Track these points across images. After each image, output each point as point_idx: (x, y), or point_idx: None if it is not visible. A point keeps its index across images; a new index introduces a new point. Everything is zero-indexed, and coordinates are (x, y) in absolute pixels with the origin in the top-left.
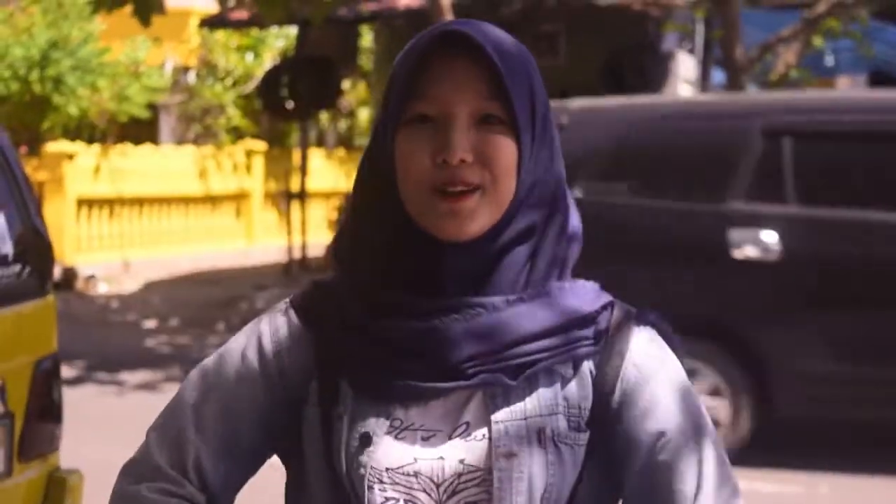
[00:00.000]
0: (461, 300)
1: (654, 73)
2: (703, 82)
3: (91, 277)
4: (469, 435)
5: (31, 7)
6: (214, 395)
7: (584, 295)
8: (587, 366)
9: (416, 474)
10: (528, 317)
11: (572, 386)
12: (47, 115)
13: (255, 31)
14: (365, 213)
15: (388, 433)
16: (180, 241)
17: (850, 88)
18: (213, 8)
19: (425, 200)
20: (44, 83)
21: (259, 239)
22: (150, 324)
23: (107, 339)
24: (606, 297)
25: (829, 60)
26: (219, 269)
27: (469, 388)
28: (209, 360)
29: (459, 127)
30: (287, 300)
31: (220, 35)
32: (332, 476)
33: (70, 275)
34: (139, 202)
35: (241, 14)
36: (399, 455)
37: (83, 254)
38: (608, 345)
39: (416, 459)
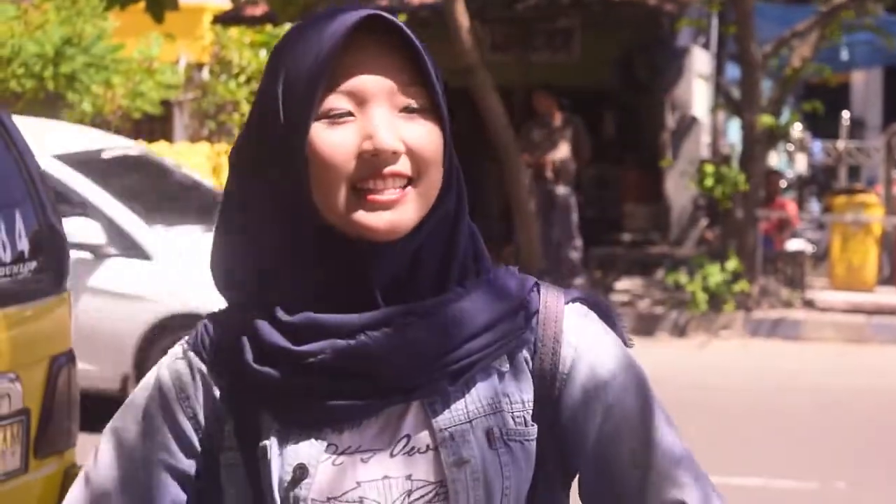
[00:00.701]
0: (388, 311)
1: (668, 69)
2: (718, 77)
3: None
4: (412, 448)
5: (45, 4)
6: (127, 478)
7: (508, 282)
8: (521, 356)
9: (360, 500)
10: (460, 318)
11: (510, 380)
12: (61, 112)
13: (268, 28)
14: (259, 223)
15: (324, 461)
16: None
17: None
18: (226, 4)
19: (347, 200)
20: (57, 80)
21: None
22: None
23: None
24: (531, 280)
25: (844, 54)
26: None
27: (405, 401)
28: (116, 428)
29: (385, 116)
30: (182, 343)
31: (234, 31)
32: None
33: None
34: None
35: (255, 10)
36: (340, 482)
37: None
38: (540, 329)
39: (359, 484)
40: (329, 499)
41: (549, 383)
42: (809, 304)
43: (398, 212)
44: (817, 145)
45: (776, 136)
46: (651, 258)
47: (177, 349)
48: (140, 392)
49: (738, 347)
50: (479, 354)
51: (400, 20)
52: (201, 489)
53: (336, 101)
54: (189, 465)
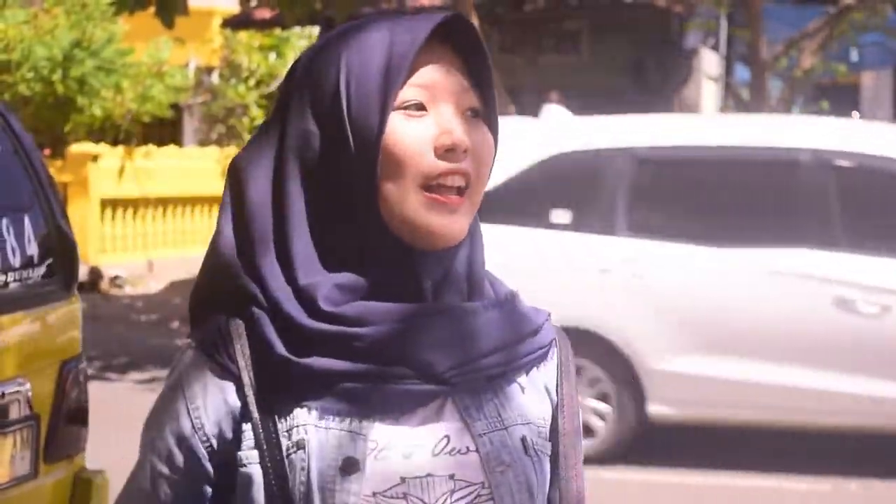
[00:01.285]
0: (439, 304)
1: (677, 71)
2: (727, 78)
3: (116, 278)
4: (453, 448)
5: (55, 8)
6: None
7: (527, 305)
8: (537, 375)
9: (405, 496)
10: (498, 324)
11: (531, 395)
12: (71, 116)
13: (277, 31)
14: (317, 217)
15: (370, 454)
16: (204, 241)
17: None
18: (235, 8)
19: (416, 198)
20: (67, 84)
21: None
22: (175, 324)
23: (133, 339)
24: (541, 310)
25: (854, 55)
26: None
27: (447, 395)
28: (143, 444)
29: (455, 112)
30: (190, 343)
31: (243, 35)
32: None
33: (95, 275)
34: (163, 203)
35: (264, 14)
36: (384, 477)
37: (107, 254)
38: (550, 356)
39: (403, 480)
40: (374, 493)
41: (555, 407)
42: None
43: (457, 219)
44: None
45: None
46: None
47: (183, 353)
48: (155, 403)
49: None
50: (509, 365)
51: None
52: (221, 494)
53: (410, 94)
54: (201, 474)
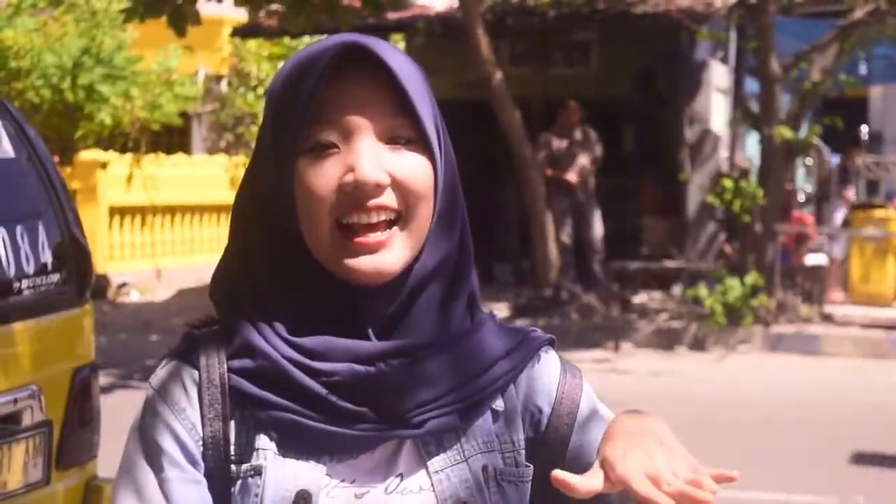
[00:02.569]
0: (403, 344)
1: (686, 83)
2: (736, 91)
3: (123, 285)
4: (405, 488)
5: (64, 16)
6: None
7: (498, 328)
8: (514, 396)
9: None
10: (467, 357)
11: (501, 420)
12: (80, 123)
13: (286, 40)
14: (261, 253)
15: (323, 489)
16: (212, 249)
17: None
18: (244, 17)
19: (331, 239)
20: (76, 91)
21: None
22: (183, 331)
23: (140, 347)
24: (518, 328)
25: (863, 69)
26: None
27: (413, 436)
28: (126, 454)
29: (369, 148)
30: (168, 356)
31: (252, 44)
32: None
33: (102, 283)
34: (171, 211)
35: (273, 22)
36: None
37: (115, 262)
38: (528, 375)
39: None
40: None
41: (534, 428)
42: (828, 319)
43: (384, 254)
44: (836, 160)
45: (795, 150)
46: (669, 272)
47: (163, 364)
48: (137, 418)
49: (757, 362)
50: (480, 395)
51: (392, 41)
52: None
53: (321, 134)
54: (198, 475)
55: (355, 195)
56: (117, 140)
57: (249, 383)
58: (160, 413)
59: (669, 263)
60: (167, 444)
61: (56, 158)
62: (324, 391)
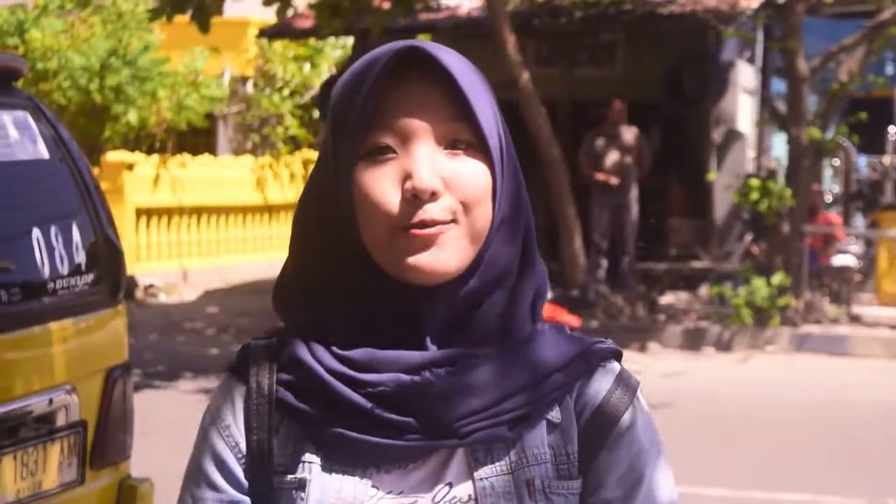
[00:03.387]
0: (452, 352)
1: (713, 83)
2: (763, 91)
3: (150, 287)
4: (453, 497)
5: (92, 18)
6: None
7: (561, 338)
8: (570, 408)
9: None
10: (519, 367)
11: (557, 432)
12: (106, 125)
13: (312, 41)
14: (319, 259)
15: (368, 501)
16: (238, 250)
17: None
18: (270, 18)
19: (393, 241)
20: (103, 93)
21: None
22: (211, 332)
23: (168, 347)
24: (582, 338)
25: (890, 69)
26: (276, 278)
27: (462, 446)
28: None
29: (426, 153)
30: (225, 371)
31: (278, 45)
32: None
33: (129, 284)
34: (197, 212)
35: (301, 23)
36: None
37: (142, 263)
38: (585, 386)
39: None
40: None
41: (586, 442)
42: (856, 320)
43: (439, 251)
44: (862, 160)
45: (822, 150)
46: (696, 273)
47: (220, 382)
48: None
49: (784, 362)
50: (531, 407)
51: (426, 39)
52: None
53: (379, 139)
54: (235, 496)
55: (413, 202)
56: (144, 141)
57: (294, 397)
58: (206, 432)
59: (696, 264)
60: (207, 465)
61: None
62: (368, 404)
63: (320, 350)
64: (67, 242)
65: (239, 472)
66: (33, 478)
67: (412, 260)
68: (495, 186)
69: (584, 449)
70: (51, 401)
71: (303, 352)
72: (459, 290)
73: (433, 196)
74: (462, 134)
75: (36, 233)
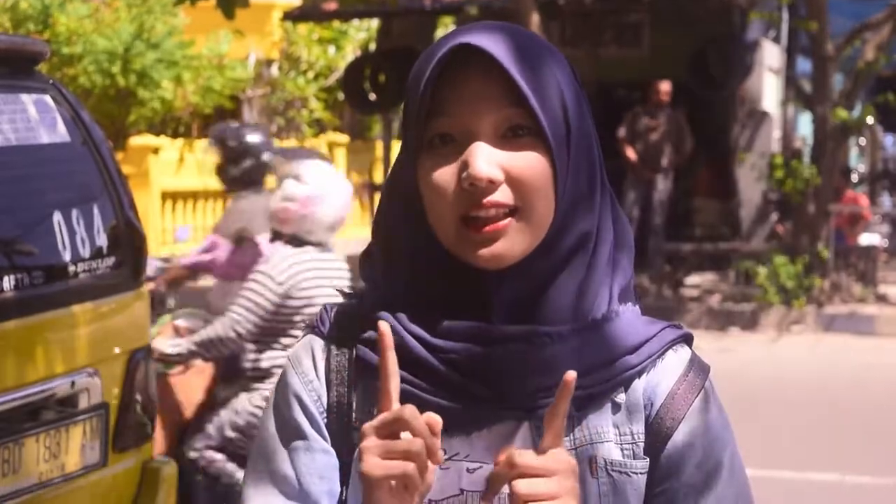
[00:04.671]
0: (527, 329)
1: (739, 63)
2: (788, 71)
3: None
4: None
5: (116, 2)
6: (275, 474)
7: (635, 321)
8: (639, 389)
9: None
10: (589, 348)
11: (622, 412)
12: (132, 108)
13: (336, 24)
14: (394, 240)
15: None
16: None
17: None
18: (295, 1)
19: (455, 230)
20: (127, 76)
21: (341, 231)
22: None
23: None
24: (656, 323)
25: None
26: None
27: (527, 418)
28: (260, 427)
29: (483, 143)
30: (303, 330)
31: (303, 28)
32: None
33: None
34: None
35: (327, 5)
36: (443, 485)
37: (168, 246)
38: (653, 370)
39: (462, 491)
40: (431, 501)
41: (653, 426)
42: (882, 299)
43: (501, 243)
44: (889, 139)
45: (849, 129)
46: (722, 253)
47: (300, 337)
48: (270, 395)
49: (811, 342)
50: (599, 387)
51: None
52: (343, 469)
53: (438, 129)
54: (325, 445)
55: (472, 191)
56: (169, 125)
57: (375, 354)
58: (290, 384)
59: (722, 245)
60: (294, 414)
61: (109, 144)
62: (442, 367)
63: (400, 315)
64: (89, 225)
65: (323, 424)
66: (56, 460)
67: (473, 249)
68: (555, 171)
69: (654, 432)
70: (73, 383)
71: (382, 312)
72: (528, 269)
73: (491, 185)
74: (521, 119)
75: (57, 216)
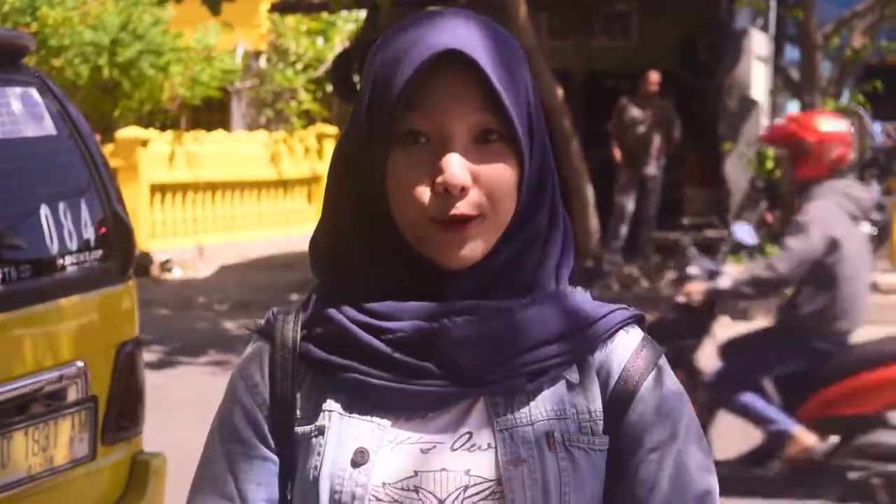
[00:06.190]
0: (473, 302)
1: (727, 52)
2: (777, 59)
3: (166, 262)
4: (472, 445)
5: None
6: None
7: (585, 301)
8: (592, 368)
9: (416, 489)
10: (539, 322)
11: (577, 390)
12: (119, 101)
13: (325, 15)
14: (349, 224)
15: (385, 446)
16: (253, 225)
17: None
18: None
19: (424, 229)
20: (112, 69)
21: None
22: (226, 307)
23: (184, 323)
24: (606, 305)
25: None
26: (291, 252)
27: (480, 394)
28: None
29: (458, 148)
30: (252, 337)
31: (291, 20)
32: (313, 497)
33: (144, 260)
34: (212, 187)
35: None
36: (397, 469)
37: (157, 239)
38: (605, 349)
39: (416, 473)
40: (384, 484)
41: (609, 402)
42: (872, 287)
43: (469, 246)
44: (877, 127)
45: None
46: (711, 242)
47: (251, 340)
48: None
49: None
50: (551, 361)
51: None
52: (288, 470)
53: (413, 125)
54: (265, 452)
55: (443, 195)
56: (157, 117)
57: (318, 348)
58: (235, 390)
59: (711, 233)
60: (235, 419)
61: (97, 137)
62: (388, 350)
63: (344, 304)
64: (76, 219)
65: (266, 429)
66: (45, 453)
67: (441, 250)
68: (521, 174)
69: (611, 410)
70: (61, 377)
71: (327, 304)
72: (485, 266)
73: (462, 191)
74: (493, 124)
75: (44, 209)
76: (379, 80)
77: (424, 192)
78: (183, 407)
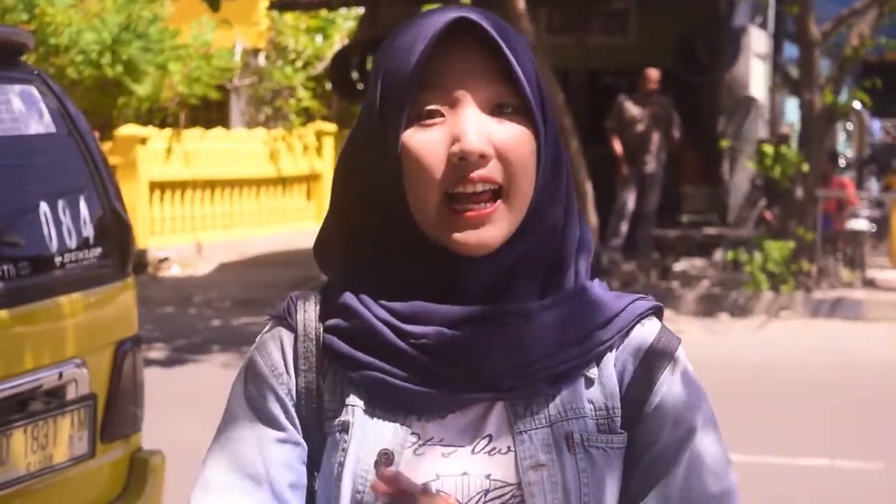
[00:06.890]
0: (494, 308)
1: (726, 49)
2: (776, 57)
3: (164, 260)
4: (493, 448)
5: None
6: (242, 463)
7: (604, 295)
8: (610, 363)
9: (437, 492)
10: (562, 326)
11: (596, 386)
12: (119, 99)
13: (324, 13)
14: (362, 217)
15: (408, 448)
16: (252, 223)
17: None
18: None
19: (437, 210)
20: (114, 67)
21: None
22: (225, 305)
23: (182, 321)
24: (625, 297)
25: None
26: (290, 250)
27: (500, 399)
28: (225, 420)
29: (474, 117)
30: (270, 320)
31: (289, 17)
32: (335, 493)
33: (143, 258)
34: (211, 185)
35: None
36: (419, 471)
37: (156, 237)
38: (625, 342)
39: (437, 476)
40: None
41: (629, 397)
42: (870, 284)
43: (488, 229)
44: (876, 124)
45: (836, 115)
46: (710, 239)
47: (266, 328)
48: (237, 382)
49: (799, 328)
50: (571, 363)
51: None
52: (312, 459)
53: (427, 103)
54: (296, 437)
55: (461, 165)
56: (156, 115)
57: (342, 342)
58: (261, 374)
59: (710, 230)
60: (270, 404)
61: (97, 134)
62: (413, 352)
63: (367, 299)
64: (75, 216)
65: (296, 416)
66: (44, 451)
67: (458, 236)
68: (539, 150)
69: (629, 405)
70: (60, 374)
71: (351, 299)
72: (502, 255)
73: (481, 159)
74: (507, 98)
75: (43, 207)
76: (391, 66)
77: (440, 166)
78: (182, 404)
